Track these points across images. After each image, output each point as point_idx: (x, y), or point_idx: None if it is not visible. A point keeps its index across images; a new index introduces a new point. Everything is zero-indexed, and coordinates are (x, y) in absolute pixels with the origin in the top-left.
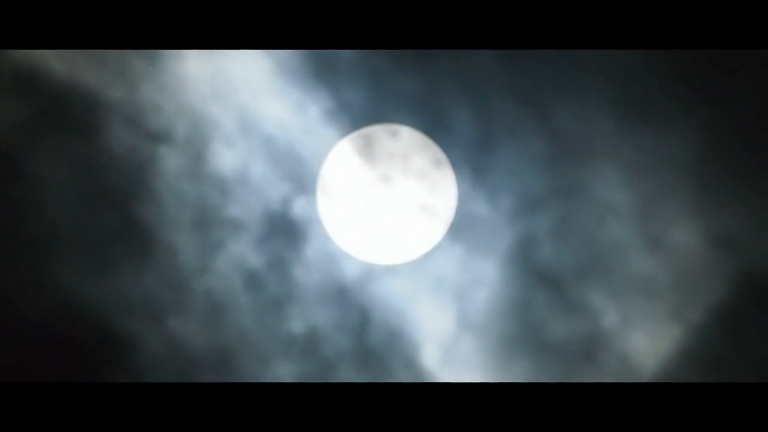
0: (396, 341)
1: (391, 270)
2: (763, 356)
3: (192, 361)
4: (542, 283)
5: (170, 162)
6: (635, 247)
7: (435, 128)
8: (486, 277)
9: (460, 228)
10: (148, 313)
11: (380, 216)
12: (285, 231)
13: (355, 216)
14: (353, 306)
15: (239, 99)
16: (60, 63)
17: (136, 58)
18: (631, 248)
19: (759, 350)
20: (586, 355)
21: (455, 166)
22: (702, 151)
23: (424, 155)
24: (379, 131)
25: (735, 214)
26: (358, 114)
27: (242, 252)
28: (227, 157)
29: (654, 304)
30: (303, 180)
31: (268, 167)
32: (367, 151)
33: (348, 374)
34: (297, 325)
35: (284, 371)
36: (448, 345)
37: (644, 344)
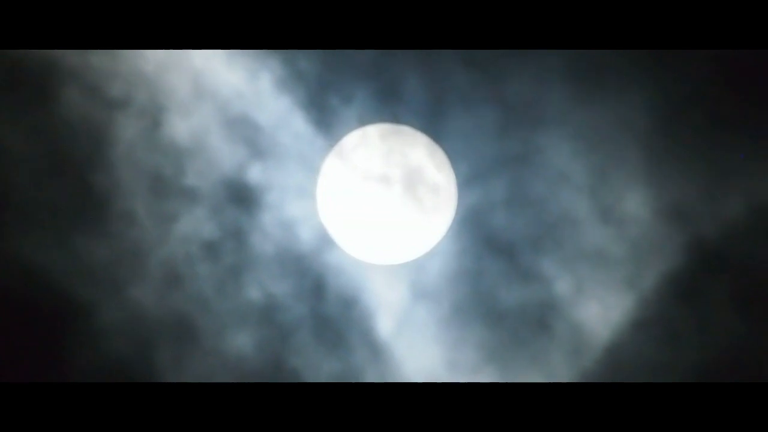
0: (351, 309)
1: (346, 239)
2: (714, 322)
3: (150, 327)
4: (495, 251)
5: (126, 130)
6: (587, 217)
7: (387, 96)
8: (439, 246)
9: (410, 202)
10: (107, 281)
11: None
12: (241, 199)
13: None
14: (309, 274)
15: (194, 67)
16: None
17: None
18: (584, 218)
19: (710, 317)
20: (539, 322)
21: (409, 137)
22: (653, 121)
23: (383, 129)
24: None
25: (686, 184)
26: (311, 83)
27: (199, 220)
28: (182, 126)
29: (606, 272)
30: (258, 147)
31: (223, 135)
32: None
33: (304, 341)
34: (254, 292)
35: (242, 339)
36: (403, 313)
37: (597, 312)
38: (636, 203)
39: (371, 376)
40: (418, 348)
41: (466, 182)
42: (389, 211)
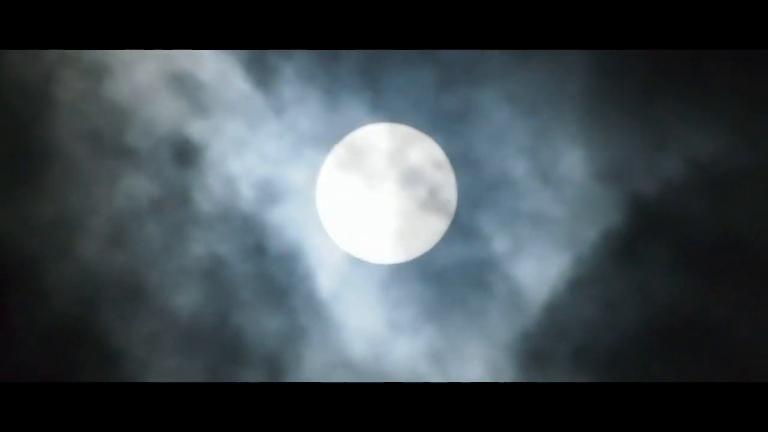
0: (292, 268)
1: (287, 196)
2: (652, 281)
3: (96, 286)
4: (432, 208)
5: (67, 88)
6: (526, 177)
7: (326, 57)
8: (371, 207)
9: (354, 158)
10: (51, 240)
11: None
12: (182, 156)
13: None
14: (251, 232)
15: None
16: None
17: None
18: (522, 178)
19: (649, 275)
20: (478, 280)
21: (348, 95)
22: (590, 81)
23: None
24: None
25: (623, 144)
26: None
27: (142, 178)
28: (124, 84)
29: (545, 232)
30: (199, 104)
31: (164, 92)
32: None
33: (248, 299)
34: (198, 250)
35: (187, 296)
36: (342, 273)
37: (535, 271)
38: (574, 164)
39: (314, 336)
40: (359, 307)
41: (406, 138)
42: (387, 209)
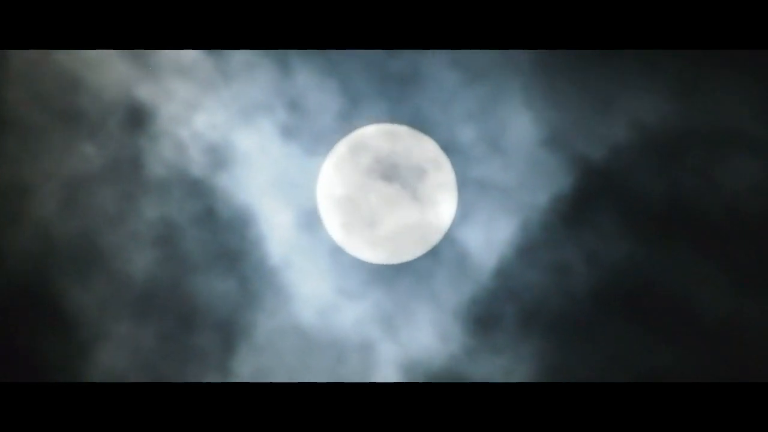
0: (243, 233)
1: (237, 162)
2: (600, 245)
3: (50, 248)
4: (381, 175)
5: (16, 55)
6: (473, 143)
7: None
8: (318, 174)
9: (295, 127)
10: (6, 203)
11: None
12: (135, 121)
13: None
14: (202, 196)
15: None
16: None
17: None
18: (470, 145)
19: (596, 239)
20: (424, 245)
21: (298, 61)
22: (534, 53)
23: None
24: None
25: (569, 110)
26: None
27: (96, 142)
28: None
29: (492, 198)
30: (148, 68)
31: (115, 57)
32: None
33: (199, 263)
34: (151, 213)
35: (141, 260)
36: (292, 239)
37: (482, 237)
38: (521, 130)
39: (265, 302)
40: (308, 273)
41: (353, 104)
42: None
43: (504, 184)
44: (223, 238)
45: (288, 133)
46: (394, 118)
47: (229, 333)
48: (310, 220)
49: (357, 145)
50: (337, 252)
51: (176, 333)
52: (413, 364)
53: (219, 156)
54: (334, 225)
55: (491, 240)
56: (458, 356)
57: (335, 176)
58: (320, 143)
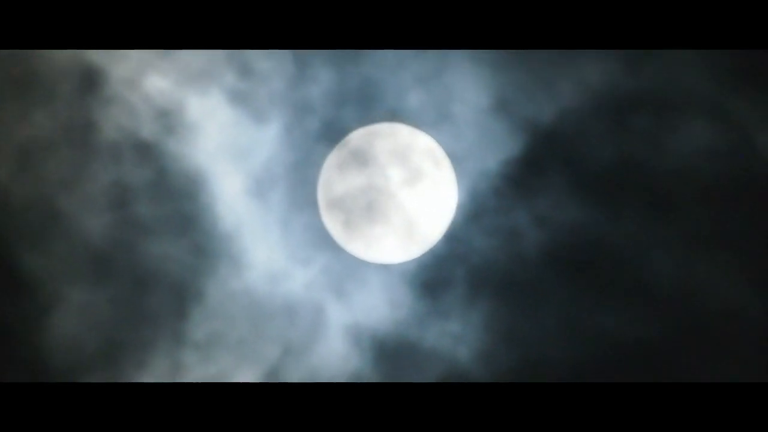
0: (195, 199)
1: (188, 128)
2: (551, 210)
3: (4, 213)
4: (327, 140)
5: None
6: (421, 110)
7: None
8: (267, 140)
9: (245, 93)
10: None
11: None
12: (87, 84)
13: None
14: (154, 161)
15: None
16: None
17: None
18: (417, 111)
19: (545, 203)
20: (373, 209)
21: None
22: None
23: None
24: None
25: (514, 78)
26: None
27: (48, 105)
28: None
29: (441, 163)
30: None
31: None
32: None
33: (153, 228)
34: (105, 178)
35: (95, 225)
36: (242, 205)
37: (431, 202)
38: (469, 97)
39: (220, 267)
40: (259, 239)
41: (299, 72)
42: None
43: (452, 150)
44: (175, 204)
45: (238, 98)
46: (342, 84)
47: (182, 298)
48: (261, 187)
49: (303, 108)
50: (288, 218)
51: (130, 297)
52: (362, 329)
53: (170, 121)
54: (281, 192)
55: (440, 204)
56: (407, 321)
57: (286, 139)
58: (271, 109)
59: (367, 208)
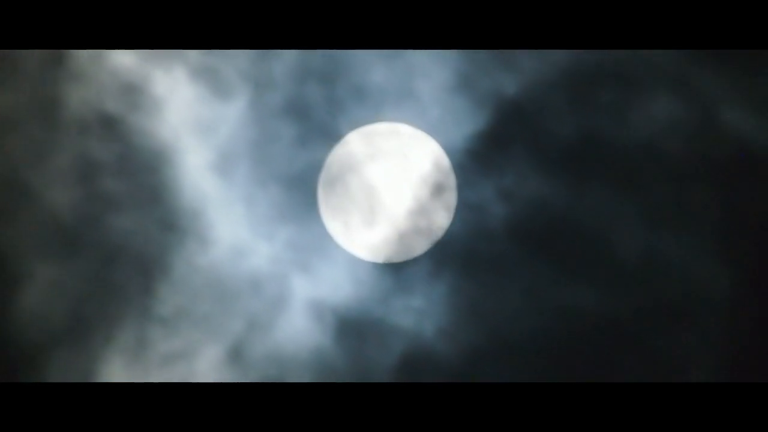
0: (159, 174)
1: (154, 105)
2: (517, 184)
3: None
4: (289, 114)
5: None
6: (385, 88)
7: None
8: (231, 116)
9: (208, 69)
10: None
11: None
12: (49, 61)
13: None
14: (119, 136)
15: None
16: None
17: None
18: (380, 89)
19: (509, 177)
20: (334, 182)
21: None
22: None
23: None
24: None
25: (477, 53)
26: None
27: (13, 79)
28: None
29: (405, 138)
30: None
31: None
32: None
33: (120, 202)
34: (71, 152)
35: (62, 198)
36: (203, 182)
37: (394, 176)
38: (432, 73)
39: (186, 243)
40: (224, 214)
41: (255, 57)
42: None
43: (417, 127)
44: (141, 178)
45: (202, 74)
46: (306, 62)
47: (149, 272)
48: (226, 162)
49: (266, 85)
50: (252, 194)
51: (97, 272)
52: (325, 304)
53: (135, 96)
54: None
55: (403, 179)
56: (371, 296)
57: (249, 114)
58: (234, 86)
59: (330, 182)
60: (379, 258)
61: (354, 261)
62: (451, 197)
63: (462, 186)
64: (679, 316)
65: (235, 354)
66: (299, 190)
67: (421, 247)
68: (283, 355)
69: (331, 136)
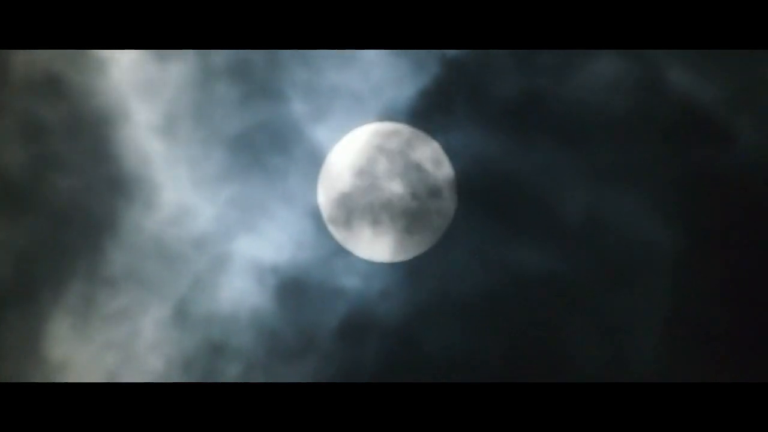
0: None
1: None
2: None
3: None
4: (230, 76)
5: None
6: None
7: None
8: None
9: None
10: None
11: None
12: None
13: None
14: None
15: None
16: None
17: None
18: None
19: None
20: (277, 143)
21: None
22: None
23: None
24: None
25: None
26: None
27: None
28: None
29: (346, 101)
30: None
31: None
32: None
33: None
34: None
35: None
36: (148, 143)
37: (336, 137)
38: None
39: (133, 203)
40: (169, 174)
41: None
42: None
43: (360, 89)
44: (88, 139)
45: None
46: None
47: (96, 233)
48: (169, 123)
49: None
50: (196, 154)
51: (45, 232)
52: (268, 264)
53: (80, 56)
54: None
55: (345, 140)
56: (313, 257)
57: (190, 80)
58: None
59: (271, 142)
60: (324, 219)
61: (296, 222)
62: (398, 159)
63: (405, 147)
64: (624, 274)
65: (180, 314)
66: (243, 150)
67: (365, 207)
68: (225, 315)
69: (274, 96)
